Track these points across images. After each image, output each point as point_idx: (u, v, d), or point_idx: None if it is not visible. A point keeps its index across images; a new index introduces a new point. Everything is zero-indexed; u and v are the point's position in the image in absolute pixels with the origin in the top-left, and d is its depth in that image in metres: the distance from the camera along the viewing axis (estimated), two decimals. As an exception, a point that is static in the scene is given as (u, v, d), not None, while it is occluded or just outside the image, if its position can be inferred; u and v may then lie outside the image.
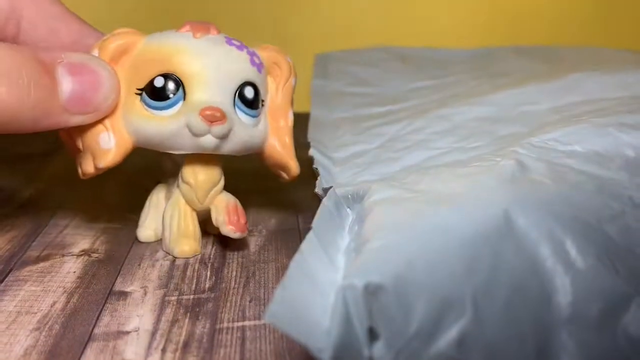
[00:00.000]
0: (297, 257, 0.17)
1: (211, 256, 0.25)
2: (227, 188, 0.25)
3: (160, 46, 0.23)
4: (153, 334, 0.20)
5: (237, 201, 0.25)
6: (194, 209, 0.25)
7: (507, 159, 0.20)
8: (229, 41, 0.24)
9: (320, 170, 0.25)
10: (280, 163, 0.26)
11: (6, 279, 0.23)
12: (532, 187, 0.18)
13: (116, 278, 0.23)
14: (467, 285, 0.16)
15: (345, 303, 0.14)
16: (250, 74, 0.24)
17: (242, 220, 0.24)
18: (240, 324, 0.21)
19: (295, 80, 0.26)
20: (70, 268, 0.24)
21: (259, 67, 0.24)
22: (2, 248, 0.25)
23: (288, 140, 0.25)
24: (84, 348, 0.19)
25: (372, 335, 0.15)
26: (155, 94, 0.23)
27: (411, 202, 0.19)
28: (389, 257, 0.16)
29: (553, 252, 0.16)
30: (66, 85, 0.22)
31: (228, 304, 0.22)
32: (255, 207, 0.30)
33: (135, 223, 0.26)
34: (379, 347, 0.15)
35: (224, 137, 0.23)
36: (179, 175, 0.25)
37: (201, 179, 0.24)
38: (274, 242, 0.27)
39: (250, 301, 0.22)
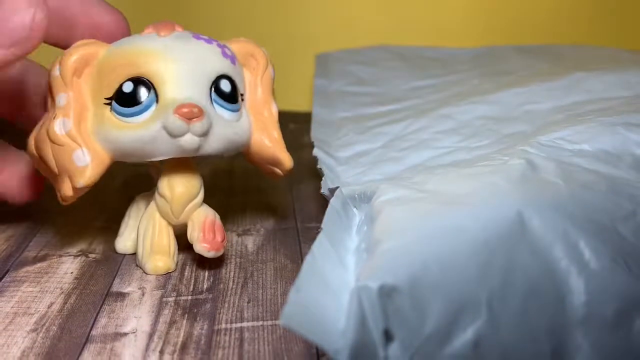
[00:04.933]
0: (308, 259, 0.16)
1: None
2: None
3: (124, 50, 0.22)
4: (151, 335, 0.20)
5: (217, 216, 0.23)
6: (169, 223, 0.23)
7: (516, 158, 0.20)
8: (196, 36, 0.23)
9: (325, 171, 0.25)
10: (272, 158, 0.24)
11: (3, 280, 0.23)
12: (544, 187, 0.18)
13: (114, 279, 0.23)
14: (482, 287, 0.15)
15: (361, 304, 0.14)
16: (224, 66, 0.22)
17: (219, 238, 0.23)
18: (238, 325, 0.20)
19: (273, 70, 0.24)
20: (67, 269, 0.24)
21: (232, 59, 0.23)
22: (-2, 248, 0.25)
23: (276, 133, 0.24)
24: (82, 350, 0.19)
25: (388, 336, 0.15)
26: (125, 100, 0.21)
27: (421, 203, 0.18)
28: (402, 258, 0.16)
29: (567, 253, 0.16)
30: None
31: (226, 305, 0.21)
32: (252, 207, 0.30)
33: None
34: (394, 348, 0.15)
35: (204, 135, 0.21)
36: (156, 187, 0.23)
37: (178, 192, 0.23)
38: (272, 241, 0.26)
39: (248, 302, 0.22)
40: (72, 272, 0.23)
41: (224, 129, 0.22)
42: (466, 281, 0.15)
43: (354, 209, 0.21)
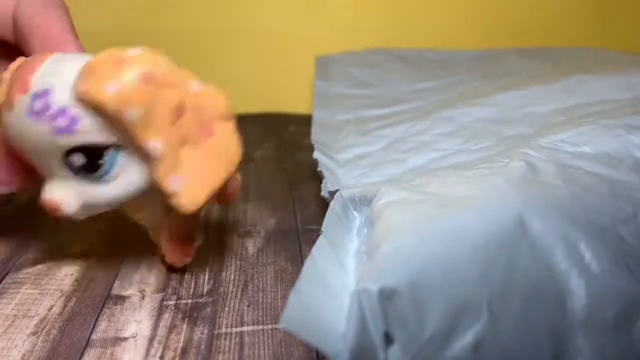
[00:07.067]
0: (309, 261, 0.16)
1: (209, 259, 0.25)
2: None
3: None
4: (151, 340, 0.20)
5: None
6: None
7: (516, 161, 0.20)
8: (29, 111, 0.20)
9: (325, 173, 0.25)
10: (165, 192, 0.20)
11: (3, 281, 0.23)
12: (545, 189, 0.18)
13: (114, 281, 0.23)
14: (482, 289, 0.15)
15: (361, 307, 0.14)
16: (62, 143, 0.19)
17: None
18: (238, 329, 0.20)
19: (139, 110, 0.19)
20: (67, 271, 0.24)
21: (68, 128, 0.19)
22: (-2, 251, 0.25)
23: (160, 166, 0.20)
24: (82, 354, 0.19)
25: (388, 339, 0.15)
26: None
27: (422, 205, 0.18)
28: (403, 261, 0.16)
29: (567, 256, 0.16)
30: None
31: (226, 309, 0.21)
32: (253, 208, 0.29)
33: (132, 226, 0.26)
34: (394, 351, 0.15)
35: (77, 216, 0.21)
36: None
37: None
38: (272, 244, 0.26)
39: (248, 306, 0.22)
40: (72, 275, 0.23)
41: (93, 198, 0.21)
42: (466, 284, 0.15)
43: (354, 212, 0.21)
